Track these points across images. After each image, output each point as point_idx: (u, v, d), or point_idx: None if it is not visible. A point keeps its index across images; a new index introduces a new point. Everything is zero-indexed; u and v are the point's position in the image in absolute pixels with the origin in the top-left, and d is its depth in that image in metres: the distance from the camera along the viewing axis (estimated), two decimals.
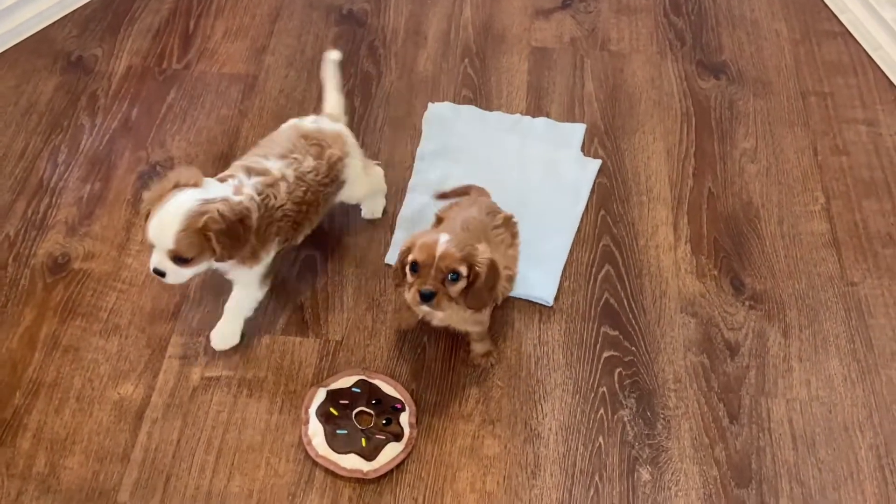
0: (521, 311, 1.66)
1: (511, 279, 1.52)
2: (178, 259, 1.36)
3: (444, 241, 1.33)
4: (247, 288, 1.55)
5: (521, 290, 1.65)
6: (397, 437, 1.47)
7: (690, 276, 1.71)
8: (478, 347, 1.57)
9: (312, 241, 1.73)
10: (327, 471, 1.44)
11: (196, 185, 1.38)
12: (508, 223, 1.55)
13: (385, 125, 1.95)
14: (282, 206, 1.46)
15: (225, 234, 1.35)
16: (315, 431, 1.46)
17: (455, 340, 1.61)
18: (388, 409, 1.50)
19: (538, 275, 1.68)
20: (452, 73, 2.06)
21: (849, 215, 1.81)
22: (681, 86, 2.07)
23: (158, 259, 1.37)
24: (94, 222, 1.76)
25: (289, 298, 1.66)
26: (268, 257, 1.51)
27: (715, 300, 1.68)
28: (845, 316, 1.65)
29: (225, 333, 1.57)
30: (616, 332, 1.63)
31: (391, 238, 1.75)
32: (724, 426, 1.51)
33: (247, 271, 1.50)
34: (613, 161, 1.90)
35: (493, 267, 1.37)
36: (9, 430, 1.47)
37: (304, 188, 1.49)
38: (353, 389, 1.52)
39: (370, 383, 1.53)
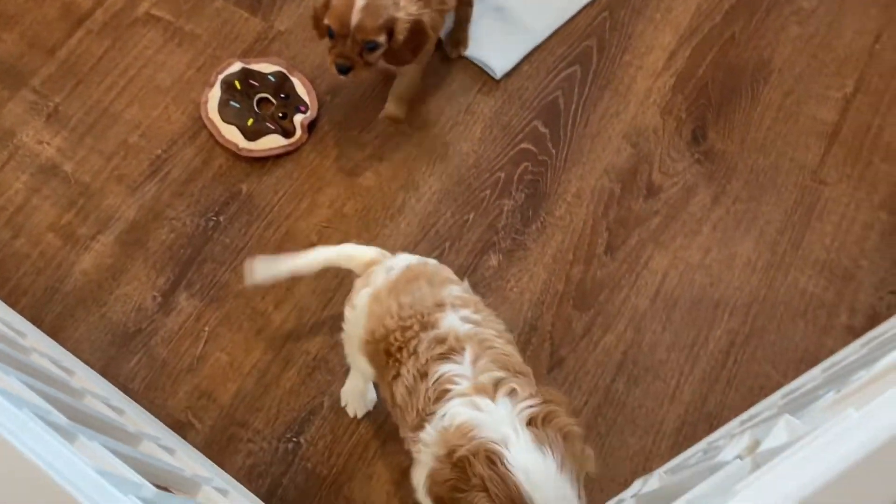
0: (466, 72, 1.58)
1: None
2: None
3: (359, 6, 1.23)
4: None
5: (476, 51, 1.57)
6: (287, 133, 1.49)
7: (654, 109, 1.57)
8: (390, 107, 1.48)
9: None
10: (210, 135, 1.49)
11: None
12: None
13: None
14: None
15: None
16: (213, 96, 1.50)
17: (390, 80, 1.56)
18: (292, 107, 1.51)
19: (502, 44, 1.58)
20: None
21: (867, 116, 1.57)
22: None
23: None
24: None
25: None
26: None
27: (665, 140, 1.54)
28: (791, 208, 1.48)
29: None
30: (546, 131, 1.54)
31: None
32: (597, 253, 1.44)
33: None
34: None
35: (418, 28, 1.28)
36: None
37: None
38: (269, 77, 1.53)
39: (288, 78, 1.53)
